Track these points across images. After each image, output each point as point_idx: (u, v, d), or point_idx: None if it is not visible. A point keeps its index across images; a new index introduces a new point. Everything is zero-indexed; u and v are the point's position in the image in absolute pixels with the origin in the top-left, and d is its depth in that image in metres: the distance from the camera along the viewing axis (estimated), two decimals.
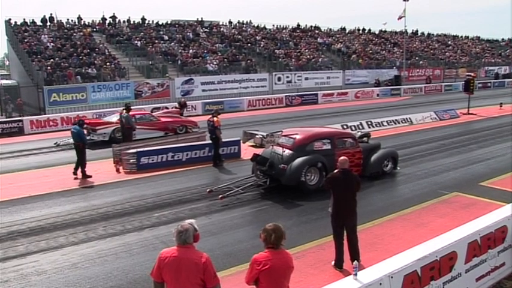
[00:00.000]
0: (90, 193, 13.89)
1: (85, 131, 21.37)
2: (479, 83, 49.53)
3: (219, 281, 5.08)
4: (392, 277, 6.02)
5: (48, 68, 33.73)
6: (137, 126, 20.90)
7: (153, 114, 24.21)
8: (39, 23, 41.55)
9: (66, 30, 41.53)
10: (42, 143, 22.35)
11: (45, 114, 29.71)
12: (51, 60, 35.00)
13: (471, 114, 30.48)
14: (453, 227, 8.11)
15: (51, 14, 42.51)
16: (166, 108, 28.28)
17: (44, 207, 12.51)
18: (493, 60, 70.88)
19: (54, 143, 21.51)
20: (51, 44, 38.02)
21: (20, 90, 33.81)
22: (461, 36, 80.00)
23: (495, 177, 14.95)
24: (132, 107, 21.62)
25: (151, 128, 22.15)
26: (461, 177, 15.02)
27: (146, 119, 22.58)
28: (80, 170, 15.58)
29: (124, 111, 19.91)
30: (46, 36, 39.06)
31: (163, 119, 23.34)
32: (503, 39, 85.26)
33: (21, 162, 18.47)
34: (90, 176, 15.50)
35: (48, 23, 41.97)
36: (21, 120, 27.06)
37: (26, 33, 38.77)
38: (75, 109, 30.75)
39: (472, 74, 33.79)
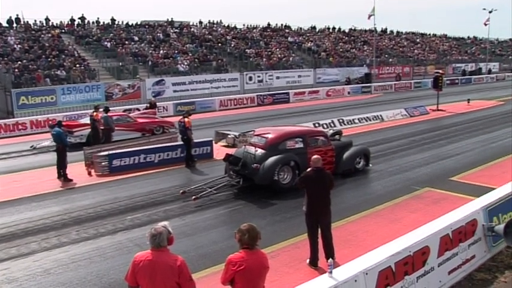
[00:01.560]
0: (61, 197, 13.67)
1: None
2: (447, 80, 50.36)
3: (194, 284, 5.06)
4: (367, 273, 6.09)
5: (16, 70, 33.05)
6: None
7: (130, 115, 24.07)
8: (5, 24, 40.66)
9: (33, 32, 40.75)
10: (11, 147, 21.88)
11: (13, 117, 29.09)
12: (19, 62, 34.28)
13: (440, 110, 31.01)
14: (425, 222, 8.25)
15: (17, 15, 41.69)
16: (138, 109, 28.04)
17: (15, 213, 12.26)
18: (460, 58, 72.32)
19: (31, 146, 21.03)
20: (18, 45, 37.24)
21: None
22: (429, 34, 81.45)
23: (465, 171, 15.26)
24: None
25: (129, 129, 21.99)
26: (432, 173, 15.27)
27: (123, 120, 22.42)
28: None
29: (97, 112, 19.77)
30: (13, 38, 38.25)
31: (140, 120, 23.27)
32: (468, 37, 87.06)
33: None
34: (71, 180, 15.25)
35: (15, 24, 41.14)
36: None
37: None
38: (45, 112, 30.18)
39: (441, 71, 34.41)
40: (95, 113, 20.27)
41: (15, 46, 37.02)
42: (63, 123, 22.04)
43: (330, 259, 6.22)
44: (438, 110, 31.07)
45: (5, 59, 34.55)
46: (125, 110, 27.81)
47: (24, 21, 41.84)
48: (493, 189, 10.31)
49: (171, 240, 5.09)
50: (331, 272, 5.92)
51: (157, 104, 29.25)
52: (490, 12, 67.04)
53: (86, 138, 20.98)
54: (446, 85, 41.69)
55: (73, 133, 21.28)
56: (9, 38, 38.08)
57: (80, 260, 9.16)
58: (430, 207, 11.67)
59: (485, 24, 68.55)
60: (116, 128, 20.80)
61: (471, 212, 8.37)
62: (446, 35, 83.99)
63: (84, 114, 26.66)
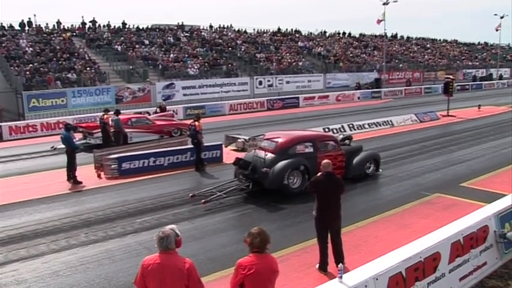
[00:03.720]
0: (71, 199, 13.71)
1: (81, 135, 21.79)
2: (457, 85, 50.14)
3: (203, 286, 5.04)
4: (377, 279, 6.03)
5: (27, 73, 33.33)
6: (133, 130, 21.61)
7: (148, 117, 24.37)
8: (17, 27, 41.03)
9: (45, 35, 41.04)
10: (22, 149, 22.02)
11: (24, 120, 29.29)
12: (30, 65, 34.57)
13: (451, 116, 30.83)
14: (436, 228, 8.17)
15: (29, 19, 42.06)
16: (148, 113, 28.11)
17: (24, 215, 12.30)
18: (470, 63, 72.02)
19: (51, 147, 21.07)
20: (30, 48, 37.54)
21: None
22: (440, 40, 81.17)
23: (475, 177, 15.14)
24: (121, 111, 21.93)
25: (147, 131, 22.31)
26: (443, 178, 15.16)
27: (142, 122, 22.85)
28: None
29: (106, 115, 19.93)
30: (25, 40, 38.55)
31: (158, 122, 23.59)
32: (479, 42, 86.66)
33: (0, 169, 18.14)
34: (81, 182, 15.29)
35: (27, 28, 41.47)
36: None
37: (3, 38, 38.18)
38: (55, 114, 30.39)
39: (451, 77, 34.20)
40: (105, 116, 20.39)
41: (26, 49, 37.30)
42: (83, 125, 22.56)
43: (340, 264, 6.17)
44: (448, 115, 30.90)
45: (17, 61, 34.81)
46: (135, 113, 27.96)
47: (36, 25, 42.19)
48: (505, 195, 10.19)
49: (179, 243, 5.07)
50: (341, 277, 5.86)
51: (167, 107, 29.32)
52: (502, 17, 66.90)
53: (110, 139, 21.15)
54: (456, 91, 41.52)
55: (93, 134, 21.64)
56: (21, 41, 38.38)
57: (88, 263, 9.17)
58: (440, 213, 11.57)
59: (497, 30, 68.33)
60: (135, 130, 21.51)
61: (482, 218, 8.28)
62: (456, 40, 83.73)
63: (94, 117, 26.84)
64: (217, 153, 18.26)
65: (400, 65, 60.32)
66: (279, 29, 60.09)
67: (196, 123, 16.63)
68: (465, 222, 8.07)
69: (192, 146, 17.21)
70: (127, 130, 21.27)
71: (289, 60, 50.42)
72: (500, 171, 16.03)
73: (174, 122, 24.73)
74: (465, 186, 14.15)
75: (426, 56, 69.09)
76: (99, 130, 21.48)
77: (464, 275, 7.61)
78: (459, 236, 7.56)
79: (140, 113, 28.44)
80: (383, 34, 59.04)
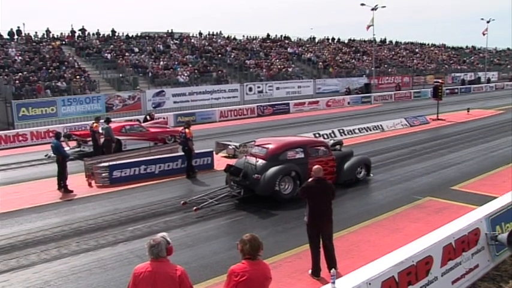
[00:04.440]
0: (61, 208, 13.61)
1: (75, 143, 21.80)
2: (446, 89, 50.46)
3: None
4: (370, 284, 6.04)
5: (17, 81, 33.14)
6: (128, 137, 21.64)
7: (142, 124, 24.37)
8: (6, 36, 40.84)
9: (34, 44, 40.93)
10: (12, 158, 21.85)
11: (14, 129, 29.10)
12: (20, 74, 34.38)
13: (440, 120, 31.03)
14: (427, 232, 8.22)
15: (18, 27, 41.99)
16: (138, 121, 28.03)
17: (14, 224, 12.20)
18: (458, 67, 72.58)
19: (45, 155, 20.88)
20: (19, 57, 37.38)
21: None
22: (428, 44, 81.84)
23: (466, 180, 15.23)
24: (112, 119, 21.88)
25: (142, 139, 22.24)
26: (434, 182, 15.22)
27: (136, 130, 22.83)
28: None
29: (97, 123, 19.93)
30: (14, 49, 38.40)
31: (152, 130, 23.57)
32: (467, 46, 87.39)
33: None
34: (72, 191, 15.19)
35: (16, 36, 41.32)
36: None
37: None
38: (45, 123, 30.21)
39: (440, 81, 34.41)
40: (94, 124, 20.32)
41: (16, 58, 37.15)
42: (77, 133, 22.48)
43: (333, 269, 6.18)
44: (438, 119, 31.09)
45: (6, 70, 34.65)
46: (130, 120, 27.94)
47: (25, 33, 42.08)
48: (495, 198, 10.27)
49: (170, 251, 5.07)
50: (334, 283, 5.87)
51: (155, 116, 29.16)
52: (488, 22, 67.54)
53: (100, 147, 21.06)
54: (445, 94, 41.79)
55: (87, 142, 21.56)
56: (10, 49, 38.23)
57: (80, 272, 9.10)
58: (431, 217, 11.62)
59: (484, 34, 68.95)
60: (129, 138, 21.55)
61: (474, 221, 8.33)
62: (445, 45, 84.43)
63: (84, 125, 26.80)
64: (208, 160, 18.22)
65: (390, 70, 60.68)
66: (268, 35, 60.31)
67: (187, 130, 16.61)
68: (456, 226, 8.11)
69: (182, 153, 17.18)
70: (121, 138, 21.28)
71: (279, 67, 50.56)
72: (490, 173, 16.15)
73: (168, 129, 24.72)
74: (456, 190, 14.22)
75: (415, 61, 69.56)
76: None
77: (456, 278, 7.63)
78: (451, 239, 7.60)
79: (131, 120, 28.39)
80: (372, 39, 59.32)
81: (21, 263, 9.67)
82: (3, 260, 9.81)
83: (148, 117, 28.04)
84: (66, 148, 20.10)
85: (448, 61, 75.10)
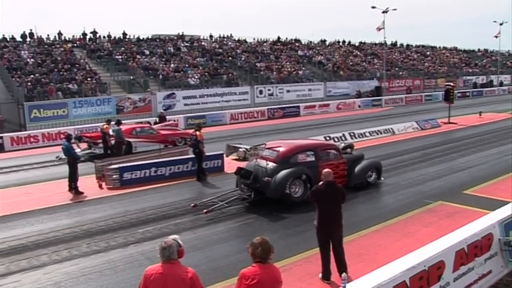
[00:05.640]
0: (73, 210, 13.67)
1: (86, 145, 21.97)
2: (458, 92, 50.19)
3: None
4: None
5: (29, 84, 33.42)
6: (138, 140, 21.84)
7: (153, 127, 24.47)
8: (18, 38, 41.27)
9: (46, 46, 41.25)
10: (23, 160, 21.99)
11: (25, 130, 29.30)
12: (32, 76, 34.68)
13: (452, 123, 30.84)
14: (439, 236, 8.14)
15: (31, 30, 42.36)
16: (149, 123, 28.13)
17: (26, 225, 12.26)
18: (470, 70, 72.07)
19: (56, 157, 21.02)
20: (31, 59, 37.70)
21: (0, 106, 33.31)
22: (439, 47, 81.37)
23: (478, 185, 15.10)
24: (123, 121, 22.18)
25: (152, 141, 22.31)
26: (445, 186, 15.12)
27: (147, 132, 22.94)
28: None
29: (108, 125, 20.02)
30: (26, 52, 38.75)
31: (162, 132, 23.64)
32: (479, 49, 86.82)
33: (2, 180, 18.12)
34: (82, 193, 15.25)
35: (28, 39, 41.69)
36: (1, 137, 26.55)
37: (5, 49, 38.43)
38: (57, 125, 30.37)
39: (452, 84, 34.22)
40: (105, 126, 20.42)
41: (28, 60, 37.48)
42: (88, 135, 22.54)
43: (344, 274, 6.14)
44: (450, 122, 30.90)
45: (18, 72, 34.94)
46: (140, 122, 28.08)
47: (37, 36, 42.42)
48: (508, 202, 10.13)
49: (181, 253, 5.06)
50: (344, 287, 5.82)
51: (167, 117, 29.31)
52: (501, 24, 67.17)
53: (110, 149, 21.18)
54: (457, 98, 41.55)
55: (98, 144, 21.65)
56: (22, 52, 38.60)
57: (90, 273, 9.12)
58: (443, 221, 11.53)
59: (496, 37, 68.50)
60: (140, 140, 21.75)
61: (487, 226, 8.23)
62: (456, 47, 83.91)
63: (96, 127, 26.97)
64: (219, 162, 18.22)
65: (400, 73, 60.42)
66: (278, 38, 60.29)
67: (198, 132, 16.62)
68: (469, 230, 8.03)
69: (193, 155, 17.19)
70: (131, 140, 21.45)
71: (289, 69, 50.53)
72: (503, 178, 15.98)
73: (179, 132, 24.74)
74: (468, 194, 14.11)
75: (426, 64, 69.22)
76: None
77: (469, 283, 7.55)
78: (463, 244, 7.51)
79: (141, 122, 28.49)
80: (383, 42, 59.24)
81: (32, 263, 9.72)
82: (14, 261, 9.86)
83: (158, 119, 28.08)
84: (77, 150, 20.25)
85: (460, 64, 74.63)
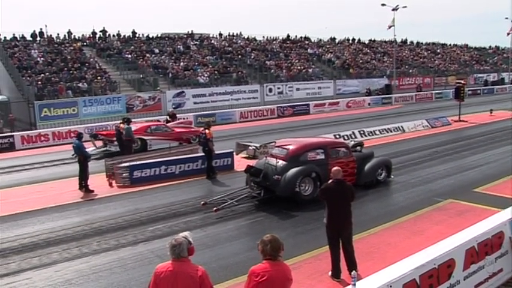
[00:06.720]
0: (83, 208, 13.75)
1: (101, 142, 22.23)
2: (469, 90, 49.87)
3: None
4: (391, 286, 5.97)
5: (39, 82, 33.66)
6: (153, 137, 22.10)
7: (167, 124, 24.72)
8: (29, 38, 41.54)
9: (56, 45, 41.47)
10: (34, 158, 22.16)
11: (36, 129, 29.52)
12: (42, 75, 34.91)
13: (462, 121, 30.66)
14: (449, 234, 8.09)
15: (41, 29, 42.58)
16: (158, 121, 28.21)
17: (37, 223, 12.36)
18: (481, 68, 71.57)
19: (72, 155, 21.11)
20: (42, 58, 37.94)
21: (11, 105, 33.56)
22: (450, 45, 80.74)
23: (489, 183, 14.98)
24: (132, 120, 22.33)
25: (166, 139, 22.45)
26: (455, 184, 15.04)
27: (161, 130, 23.21)
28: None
29: (123, 124, 20.16)
30: (36, 51, 38.99)
31: (177, 130, 23.88)
32: (490, 46, 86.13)
33: (13, 178, 18.28)
34: (93, 191, 15.35)
35: (38, 38, 41.90)
36: (12, 136, 26.79)
37: (15, 48, 38.71)
38: (67, 124, 30.60)
39: (462, 82, 33.99)
40: (121, 125, 20.50)
41: (38, 59, 37.71)
42: (104, 132, 22.61)
43: (354, 271, 6.12)
44: (460, 120, 30.73)
45: (29, 71, 35.18)
46: (151, 121, 28.19)
47: (47, 35, 42.63)
48: None
49: (191, 251, 5.07)
50: (354, 285, 5.80)
51: (177, 115, 29.37)
52: None
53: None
54: (468, 95, 41.30)
55: (113, 142, 21.79)
56: (32, 51, 38.86)
57: (101, 271, 9.18)
58: (453, 219, 11.47)
59: (508, 34, 67.83)
60: (154, 138, 22.03)
61: (497, 224, 8.17)
62: (467, 45, 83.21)
63: (105, 126, 27.16)
64: (229, 160, 18.26)
65: (411, 71, 60.11)
66: (288, 36, 60.18)
67: (207, 131, 16.65)
68: (479, 229, 7.97)
69: (203, 153, 17.23)
70: (146, 138, 21.73)
71: (299, 67, 50.45)
72: None
73: (193, 129, 24.89)
74: (478, 192, 14.02)
75: (436, 61, 68.79)
76: None
77: (479, 282, 7.51)
78: (474, 243, 7.47)
79: (151, 121, 28.59)
80: (393, 40, 58.86)
81: (43, 261, 9.79)
82: (26, 258, 9.94)
83: (168, 117, 28.10)
84: (92, 148, 20.47)
85: (471, 61, 74.10)
